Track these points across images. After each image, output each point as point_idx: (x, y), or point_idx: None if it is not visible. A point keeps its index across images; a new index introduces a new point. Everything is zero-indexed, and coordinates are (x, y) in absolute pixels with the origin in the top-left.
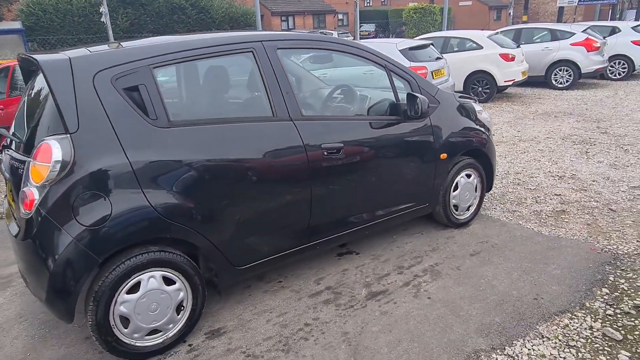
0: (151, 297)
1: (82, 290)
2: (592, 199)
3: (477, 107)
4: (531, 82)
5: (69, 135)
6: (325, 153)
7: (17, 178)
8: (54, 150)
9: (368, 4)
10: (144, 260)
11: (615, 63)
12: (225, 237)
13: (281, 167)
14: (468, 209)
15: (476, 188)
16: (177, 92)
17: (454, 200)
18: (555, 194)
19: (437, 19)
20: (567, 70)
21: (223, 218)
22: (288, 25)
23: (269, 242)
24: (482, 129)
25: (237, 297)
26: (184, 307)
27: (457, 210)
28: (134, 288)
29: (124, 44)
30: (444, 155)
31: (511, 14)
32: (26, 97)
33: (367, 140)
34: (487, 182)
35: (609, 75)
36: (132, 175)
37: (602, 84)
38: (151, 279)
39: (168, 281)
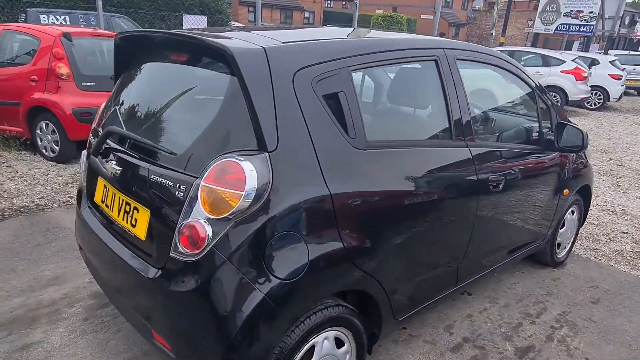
0: None
1: None
2: None
3: None
4: None
5: (266, 154)
6: (491, 187)
7: (142, 194)
8: (248, 173)
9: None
10: (324, 317)
11: (592, 93)
12: (394, 283)
13: (455, 202)
14: (565, 247)
15: (575, 225)
16: (364, 103)
17: (559, 238)
18: (623, 232)
19: (404, 28)
20: (555, 96)
21: (397, 259)
22: (255, 16)
23: (426, 287)
24: (587, 161)
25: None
26: None
27: (558, 248)
28: (306, 355)
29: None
30: (566, 191)
31: (493, 34)
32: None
33: (517, 171)
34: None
35: (586, 105)
36: (331, 210)
37: (582, 113)
38: (325, 342)
39: (338, 342)
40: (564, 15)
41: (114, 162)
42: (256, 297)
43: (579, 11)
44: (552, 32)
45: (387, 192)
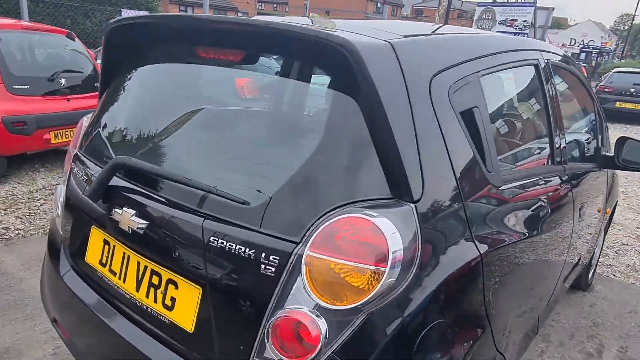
0: None
1: None
2: None
3: None
4: None
5: (412, 205)
6: (579, 214)
7: (188, 263)
8: (390, 237)
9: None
10: None
11: None
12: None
13: (559, 238)
14: (593, 267)
15: (602, 244)
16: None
17: (593, 260)
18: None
19: None
20: None
21: (518, 330)
22: None
23: (526, 338)
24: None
25: None
26: None
27: (589, 269)
28: None
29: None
30: (608, 210)
31: None
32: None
33: (586, 193)
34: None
35: None
36: (480, 279)
37: None
38: None
39: None
40: (499, 23)
41: (132, 212)
42: None
43: (513, 19)
44: None
45: (524, 242)
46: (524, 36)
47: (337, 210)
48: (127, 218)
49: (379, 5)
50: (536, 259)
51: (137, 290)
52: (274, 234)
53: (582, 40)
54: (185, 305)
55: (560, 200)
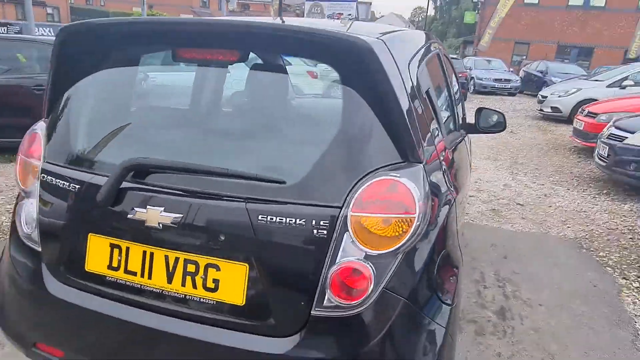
0: None
1: None
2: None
3: None
4: None
5: (421, 165)
6: (469, 166)
7: (230, 245)
8: (414, 191)
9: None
10: None
11: None
12: None
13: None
14: None
15: None
16: None
17: None
18: (470, 196)
19: None
20: None
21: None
22: None
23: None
24: None
25: None
26: None
27: None
28: None
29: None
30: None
31: None
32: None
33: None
34: None
35: None
36: (454, 213)
37: None
38: None
39: None
40: (327, 17)
41: (160, 209)
42: (439, 336)
43: (339, 13)
44: None
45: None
46: None
47: (367, 176)
48: (156, 215)
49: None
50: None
51: (170, 282)
52: (321, 203)
53: None
54: (231, 284)
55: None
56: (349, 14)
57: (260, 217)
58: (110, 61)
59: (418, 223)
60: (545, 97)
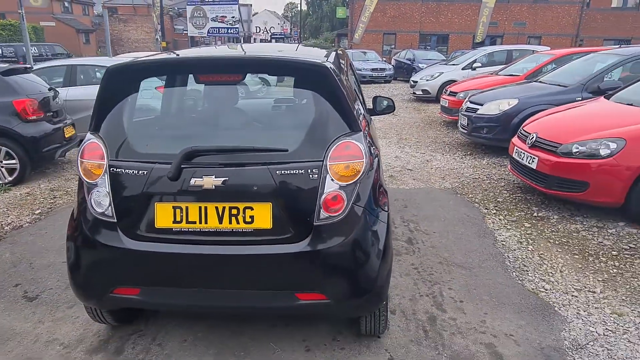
0: None
1: None
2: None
3: None
4: None
5: (362, 132)
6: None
7: (257, 193)
8: (362, 146)
9: None
10: None
11: None
12: None
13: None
14: None
15: None
16: None
17: None
18: None
19: (32, 37)
20: None
21: None
22: None
23: None
24: None
25: None
26: None
27: None
28: None
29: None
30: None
31: (158, 39)
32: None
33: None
34: None
35: None
36: (379, 162)
37: None
38: None
39: None
40: (212, 20)
41: (213, 176)
42: (383, 228)
43: (223, 16)
44: (205, 35)
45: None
46: (235, 30)
47: (334, 141)
48: (210, 181)
49: (66, 4)
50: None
51: (220, 222)
52: (309, 160)
53: (265, 27)
54: (261, 216)
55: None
56: (233, 17)
57: (277, 172)
58: (144, 87)
59: (365, 166)
60: (416, 81)
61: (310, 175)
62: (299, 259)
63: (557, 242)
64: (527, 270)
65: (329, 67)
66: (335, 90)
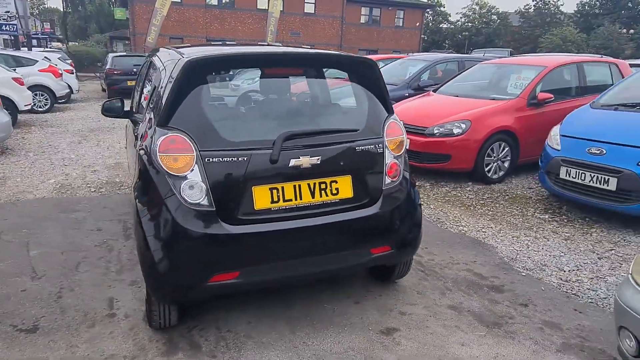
0: None
1: None
2: None
3: None
4: None
5: (393, 114)
6: None
7: (340, 167)
8: (401, 125)
9: None
10: None
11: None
12: None
13: None
14: None
15: None
16: None
17: None
18: None
19: None
20: (43, 95)
21: None
22: None
23: None
24: None
25: None
26: None
27: None
28: None
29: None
30: None
31: None
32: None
33: None
34: None
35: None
36: None
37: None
38: None
39: None
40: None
41: (308, 156)
42: (415, 189)
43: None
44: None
45: None
46: (13, 27)
47: (385, 120)
48: (307, 160)
49: None
50: None
51: (313, 197)
52: (375, 137)
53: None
54: (344, 187)
55: None
56: (7, 11)
57: (356, 149)
58: (222, 80)
59: (406, 140)
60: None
61: (377, 150)
62: (375, 220)
63: (444, 201)
64: (443, 221)
65: (376, 62)
66: (380, 80)
